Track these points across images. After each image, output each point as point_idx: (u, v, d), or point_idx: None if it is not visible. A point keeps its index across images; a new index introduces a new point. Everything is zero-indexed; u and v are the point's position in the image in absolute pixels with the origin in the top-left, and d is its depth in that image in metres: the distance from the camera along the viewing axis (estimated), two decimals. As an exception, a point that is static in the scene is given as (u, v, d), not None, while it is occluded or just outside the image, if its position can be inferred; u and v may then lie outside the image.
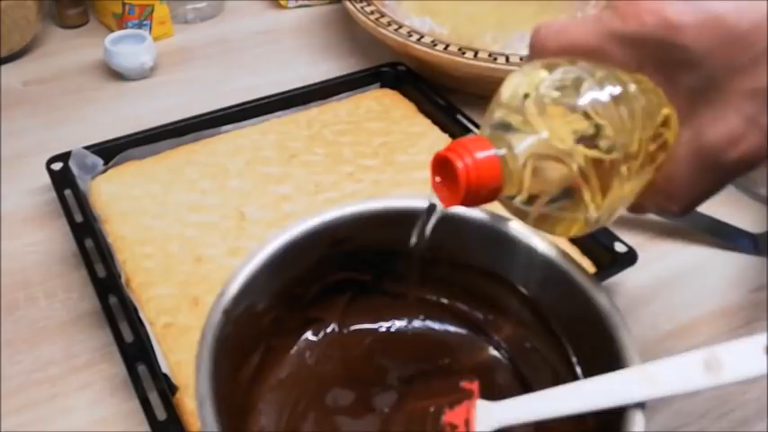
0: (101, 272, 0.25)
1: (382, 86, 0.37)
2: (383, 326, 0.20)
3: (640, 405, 0.14)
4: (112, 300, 0.24)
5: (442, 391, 0.17)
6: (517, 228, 0.18)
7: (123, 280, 0.25)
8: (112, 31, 0.41)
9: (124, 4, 0.41)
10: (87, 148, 0.31)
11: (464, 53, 0.34)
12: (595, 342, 0.16)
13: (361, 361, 0.19)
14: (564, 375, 0.17)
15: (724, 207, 0.32)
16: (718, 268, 0.28)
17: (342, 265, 0.19)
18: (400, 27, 0.36)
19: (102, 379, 0.24)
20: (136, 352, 0.22)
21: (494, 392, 0.17)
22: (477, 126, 0.33)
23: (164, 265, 0.26)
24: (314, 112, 0.35)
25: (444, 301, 0.20)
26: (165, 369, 0.22)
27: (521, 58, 0.34)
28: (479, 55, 0.34)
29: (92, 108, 0.37)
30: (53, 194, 0.29)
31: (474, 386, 0.17)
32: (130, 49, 0.38)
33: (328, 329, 0.20)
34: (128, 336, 0.23)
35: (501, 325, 0.20)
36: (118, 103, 0.37)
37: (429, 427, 0.17)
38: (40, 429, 0.22)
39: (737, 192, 0.33)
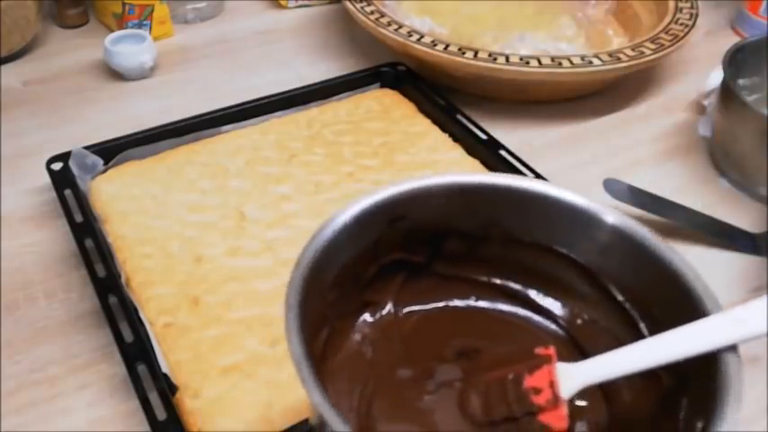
0: (101, 272, 0.25)
1: (382, 86, 0.37)
2: (437, 306, 0.20)
3: (733, 348, 0.14)
4: (112, 300, 0.24)
5: (515, 360, 0.17)
6: (576, 198, 0.18)
7: (123, 280, 0.25)
8: (112, 30, 0.41)
9: (124, 4, 0.41)
10: (87, 148, 0.31)
11: (464, 53, 0.34)
12: (669, 304, 0.16)
13: (420, 340, 0.19)
14: (629, 343, 0.17)
15: (724, 207, 0.32)
16: (717, 268, 0.28)
17: (398, 244, 0.19)
18: (400, 27, 0.36)
19: (101, 379, 0.24)
20: (136, 352, 0.22)
21: None
22: (477, 126, 0.34)
23: (164, 265, 0.26)
24: (314, 112, 0.35)
25: (496, 281, 0.20)
26: (165, 369, 0.22)
27: (520, 59, 0.34)
28: (479, 55, 0.34)
29: (92, 108, 0.37)
30: (53, 194, 0.29)
31: (550, 351, 0.17)
32: (130, 49, 0.38)
33: (384, 311, 0.19)
34: (128, 336, 0.23)
35: (556, 300, 0.19)
36: (118, 103, 0.37)
37: (511, 393, 0.16)
38: (39, 429, 0.22)
39: (737, 192, 0.33)
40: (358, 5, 0.38)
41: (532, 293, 0.20)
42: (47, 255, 0.28)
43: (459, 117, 0.34)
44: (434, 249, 0.20)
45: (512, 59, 0.34)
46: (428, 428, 0.17)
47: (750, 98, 0.35)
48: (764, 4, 0.43)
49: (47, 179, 0.30)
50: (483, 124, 0.33)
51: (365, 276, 0.19)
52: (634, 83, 0.39)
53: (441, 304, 0.20)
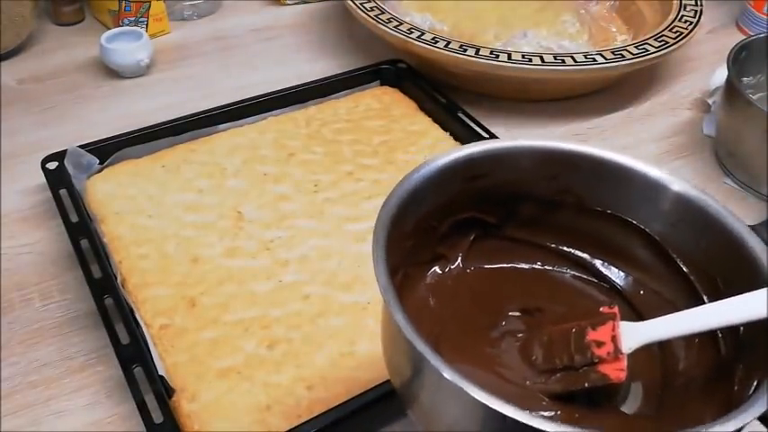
0: (96, 273, 0.25)
1: (382, 84, 0.36)
2: (502, 266, 0.21)
3: None
4: (108, 301, 0.24)
5: (577, 319, 0.18)
6: (652, 169, 0.18)
7: (119, 281, 0.25)
8: (108, 28, 0.40)
9: (120, 1, 0.40)
10: (83, 146, 0.30)
11: (465, 50, 0.34)
12: (734, 277, 0.17)
13: (485, 294, 0.20)
14: (687, 302, 0.18)
15: (728, 205, 0.31)
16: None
17: (474, 203, 0.20)
18: (400, 24, 0.36)
19: (98, 381, 0.23)
20: (132, 354, 0.22)
21: None
22: (478, 124, 0.33)
23: (160, 266, 0.26)
24: (312, 110, 0.34)
25: (563, 248, 0.21)
26: (161, 371, 0.22)
27: (522, 56, 0.34)
28: (481, 52, 0.34)
29: (87, 106, 0.36)
30: (48, 194, 0.29)
31: (615, 309, 0.17)
32: (126, 46, 0.38)
33: (453, 265, 0.20)
34: (123, 337, 0.23)
35: (620, 271, 0.20)
36: (114, 102, 0.37)
37: (573, 344, 0.17)
38: (35, 431, 0.22)
39: (742, 190, 0.32)
40: (358, 2, 0.38)
41: (598, 263, 0.20)
42: (42, 255, 0.28)
43: (460, 115, 0.33)
44: (507, 212, 0.20)
45: (514, 57, 0.33)
46: (490, 370, 0.18)
47: (755, 96, 0.35)
48: (769, 0, 0.43)
49: (42, 179, 0.29)
50: (484, 122, 0.33)
51: (440, 230, 0.20)
52: (638, 81, 0.39)
53: (506, 265, 0.21)
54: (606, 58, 0.34)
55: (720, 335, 0.17)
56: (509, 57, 0.33)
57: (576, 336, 0.17)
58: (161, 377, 0.22)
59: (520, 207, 0.20)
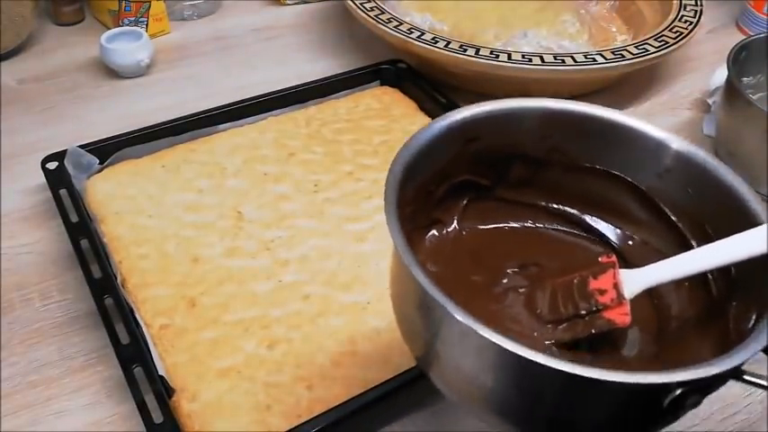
0: (96, 272, 0.25)
1: (382, 84, 0.36)
2: (497, 226, 0.21)
3: None
4: (108, 301, 0.24)
5: (577, 268, 0.18)
6: (639, 123, 0.19)
7: (119, 281, 0.25)
8: (108, 28, 0.40)
9: (120, 1, 0.40)
10: (83, 146, 0.30)
11: (465, 50, 0.34)
12: (723, 221, 0.17)
13: (483, 254, 0.20)
14: (679, 247, 0.18)
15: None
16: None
17: (468, 165, 0.20)
18: (400, 24, 0.36)
19: (98, 381, 0.23)
20: (132, 354, 0.22)
21: None
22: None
23: (160, 266, 0.26)
24: (313, 110, 0.34)
25: (554, 206, 0.21)
26: (161, 371, 0.22)
27: (523, 56, 0.34)
28: (481, 52, 0.34)
29: (87, 106, 0.36)
30: (48, 194, 0.29)
31: (613, 259, 0.18)
32: (126, 46, 0.38)
33: (450, 228, 0.21)
34: (124, 337, 0.23)
35: (610, 225, 0.21)
36: (114, 102, 0.37)
37: (577, 293, 0.18)
38: (35, 431, 0.22)
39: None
40: (358, 2, 0.38)
41: (587, 218, 0.21)
42: (42, 255, 0.28)
43: (459, 115, 0.33)
44: (499, 174, 0.21)
45: (514, 57, 0.33)
46: (497, 324, 0.18)
47: (755, 96, 0.35)
48: (769, 0, 0.43)
49: (42, 179, 0.29)
50: (484, 122, 0.33)
51: (436, 195, 0.20)
52: (637, 81, 0.39)
53: (500, 225, 0.21)
54: (606, 58, 0.34)
55: (711, 277, 0.18)
56: (509, 57, 0.33)
57: (579, 286, 0.18)
58: (161, 377, 0.22)
59: (510, 168, 0.20)
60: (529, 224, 0.21)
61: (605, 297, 0.17)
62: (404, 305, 0.17)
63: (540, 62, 0.33)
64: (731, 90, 0.31)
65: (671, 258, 0.17)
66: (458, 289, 0.18)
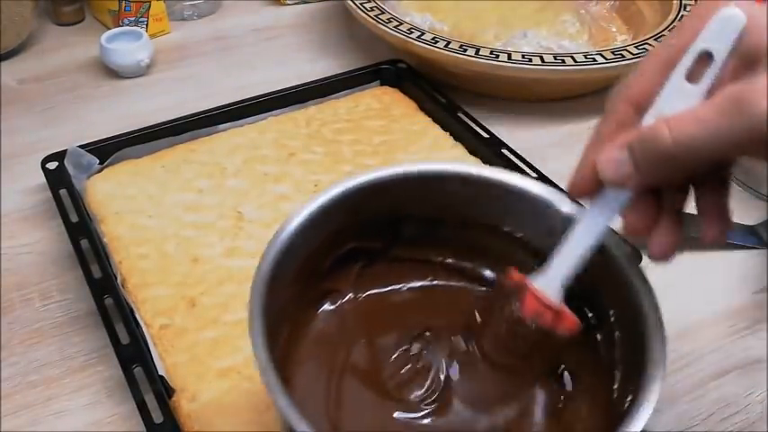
0: (96, 273, 0.25)
1: (382, 84, 0.36)
2: (395, 288, 0.21)
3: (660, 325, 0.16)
4: (108, 301, 0.24)
5: (496, 302, 0.18)
6: (524, 182, 0.19)
7: (119, 281, 0.25)
8: (108, 28, 0.40)
9: (121, 1, 0.40)
10: (83, 146, 0.30)
11: (465, 50, 0.34)
12: (611, 291, 0.18)
13: (381, 319, 0.20)
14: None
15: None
16: (722, 270, 0.28)
17: (355, 234, 0.20)
18: (400, 24, 0.36)
19: (98, 381, 0.23)
20: (132, 354, 0.22)
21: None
22: (478, 124, 0.33)
23: (160, 266, 0.26)
24: (313, 110, 0.34)
25: (451, 261, 0.21)
26: (161, 371, 0.22)
27: (523, 56, 0.34)
28: (481, 52, 0.34)
29: (87, 106, 0.36)
30: (48, 194, 0.29)
31: (516, 276, 0.18)
32: (126, 46, 0.38)
33: (344, 298, 0.20)
34: (124, 337, 0.23)
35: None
36: (114, 102, 0.37)
37: (523, 330, 0.17)
38: (35, 431, 0.22)
39: (740, 190, 0.32)
40: (358, 2, 0.38)
41: (486, 272, 0.21)
42: (42, 255, 0.28)
43: (460, 115, 0.33)
44: (392, 234, 0.20)
45: (514, 57, 0.33)
46: (398, 397, 0.18)
47: (755, 96, 0.34)
48: (769, 0, 0.43)
49: (42, 179, 0.29)
50: (484, 122, 0.33)
51: (324, 266, 0.20)
52: (637, 80, 0.39)
53: (399, 287, 0.21)
54: (606, 58, 0.34)
55: (599, 337, 0.18)
56: (509, 57, 0.33)
57: (517, 323, 0.18)
58: (161, 377, 0.22)
59: (403, 229, 0.20)
60: (427, 282, 0.21)
61: (545, 318, 0.17)
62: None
63: (540, 62, 0.33)
64: (731, 90, 0.31)
65: (562, 250, 0.17)
66: (352, 367, 0.18)
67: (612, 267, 0.18)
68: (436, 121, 0.34)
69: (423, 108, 0.35)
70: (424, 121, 0.34)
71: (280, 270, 0.17)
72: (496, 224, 0.20)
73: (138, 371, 0.22)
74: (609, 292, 0.18)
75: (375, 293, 0.20)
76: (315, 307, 0.20)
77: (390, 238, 0.20)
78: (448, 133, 0.33)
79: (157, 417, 0.20)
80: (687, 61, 0.14)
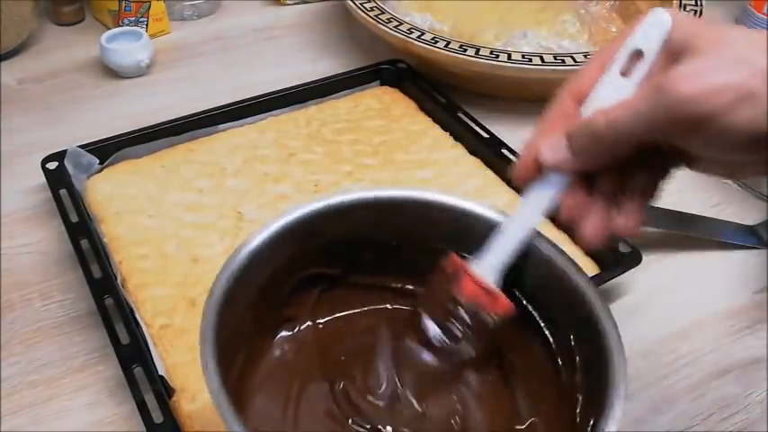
0: (97, 272, 0.25)
1: (382, 84, 0.36)
2: (352, 313, 0.21)
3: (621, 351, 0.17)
4: (108, 301, 0.24)
5: (435, 286, 0.18)
6: (478, 207, 0.20)
7: (119, 281, 0.25)
8: (108, 28, 0.40)
9: (120, 1, 0.40)
10: (83, 146, 0.30)
11: (465, 50, 0.34)
12: (569, 313, 0.18)
13: (338, 344, 0.20)
14: (532, 336, 0.19)
15: (728, 206, 0.31)
16: (721, 270, 0.28)
17: (313, 259, 0.20)
18: (400, 24, 0.36)
19: (98, 381, 0.23)
20: (132, 354, 0.22)
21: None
22: (478, 124, 0.33)
23: (160, 266, 0.26)
24: (313, 110, 0.34)
25: (409, 286, 0.21)
26: (161, 371, 0.22)
27: (523, 56, 0.34)
28: (481, 52, 0.34)
29: (87, 106, 0.36)
30: (48, 194, 0.29)
31: (456, 261, 0.18)
32: (126, 46, 0.38)
33: (303, 326, 0.20)
34: (124, 337, 0.23)
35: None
36: (114, 102, 0.37)
37: (460, 313, 0.18)
38: (35, 431, 0.22)
39: (740, 189, 0.32)
40: (358, 2, 0.38)
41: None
42: (42, 255, 0.28)
43: (460, 115, 0.33)
44: (350, 261, 0.20)
45: (514, 57, 0.33)
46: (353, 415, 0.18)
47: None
48: (769, 0, 0.43)
49: (42, 179, 0.29)
50: (484, 122, 0.33)
51: (282, 293, 0.20)
52: (637, 80, 0.39)
53: (357, 310, 0.21)
54: (606, 58, 0.34)
55: (560, 362, 0.18)
56: (509, 57, 0.33)
57: (456, 305, 0.18)
58: (161, 377, 0.22)
59: (361, 255, 0.20)
60: (387, 306, 0.21)
61: (482, 300, 0.18)
62: None
63: (540, 62, 0.33)
64: (731, 90, 0.31)
65: (499, 232, 0.18)
66: (308, 394, 0.18)
67: (568, 288, 0.18)
68: (436, 121, 0.34)
69: (423, 108, 0.35)
70: (424, 121, 0.34)
71: (235, 293, 0.17)
72: (453, 249, 0.19)
73: (138, 371, 0.22)
74: (567, 314, 0.18)
75: (332, 320, 0.20)
76: (272, 334, 0.20)
77: (349, 264, 0.20)
78: (448, 133, 0.33)
79: (157, 417, 0.20)
80: (621, 58, 0.16)
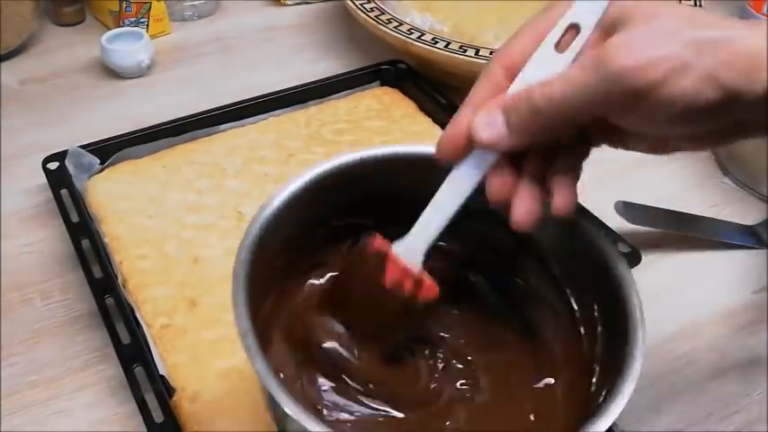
0: (97, 273, 0.25)
1: (382, 84, 0.36)
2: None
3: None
4: (109, 301, 0.24)
5: (356, 268, 0.18)
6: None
7: (120, 281, 0.25)
8: (109, 28, 0.40)
9: (121, 2, 0.40)
10: (83, 147, 0.30)
11: (465, 51, 0.34)
12: (596, 285, 0.18)
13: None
14: (556, 300, 0.19)
15: (727, 206, 0.31)
16: (721, 270, 0.28)
17: (348, 209, 0.20)
18: (400, 24, 0.36)
19: (99, 381, 0.23)
20: (132, 354, 0.22)
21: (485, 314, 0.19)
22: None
23: (161, 266, 0.26)
24: (313, 110, 0.34)
25: (441, 243, 0.21)
26: (162, 371, 0.22)
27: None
28: (481, 53, 0.34)
29: (88, 107, 0.37)
30: (49, 194, 0.29)
31: (378, 242, 0.18)
32: (127, 46, 0.38)
33: (332, 273, 0.20)
34: (124, 337, 0.23)
35: (493, 262, 0.21)
36: (114, 102, 0.37)
37: (385, 300, 0.18)
38: (36, 431, 0.22)
39: (739, 189, 0.32)
40: (358, 3, 0.38)
41: (471, 255, 0.21)
42: (43, 255, 0.28)
43: (459, 116, 0.33)
44: (383, 214, 0.20)
45: (513, 57, 0.33)
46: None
47: (754, 96, 0.35)
48: (768, 1, 0.43)
49: (43, 179, 0.29)
50: (484, 123, 0.33)
51: (315, 240, 0.20)
52: (637, 81, 0.39)
53: None
54: (606, 59, 0.34)
55: (582, 331, 0.18)
56: (509, 57, 0.34)
57: (382, 288, 0.17)
58: (162, 377, 0.22)
59: (394, 209, 0.20)
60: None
61: (405, 287, 0.17)
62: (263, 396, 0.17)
63: (539, 62, 0.33)
64: (731, 90, 0.31)
65: (423, 214, 0.17)
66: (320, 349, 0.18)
67: (601, 262, 0.17)
68: (436, 121, 0.34)
69: (423, 109, 0.35)
70: (424, 122, 0.34)
71: (269, 236, 0.17)
72: (485, 208, 0.19)
73: (138, 371, 0.22)
74: (595, 286, 0.18)
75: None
76: (303, 278, 0.20)
77: (382, 217, 0.20)
78: (448, 133, 0.33)
79: (158, 416, 0.20)
80: (557, 32, 0.15)
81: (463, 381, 0.19)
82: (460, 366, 0.19)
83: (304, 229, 0.19)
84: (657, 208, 0.29)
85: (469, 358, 0.19)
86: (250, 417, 0.21)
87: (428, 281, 0.17)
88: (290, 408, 0.14)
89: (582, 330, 0.18)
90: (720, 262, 0.29)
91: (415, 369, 0.19)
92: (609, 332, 0.17)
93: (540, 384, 0.19)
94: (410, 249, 0.17)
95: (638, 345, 0.15)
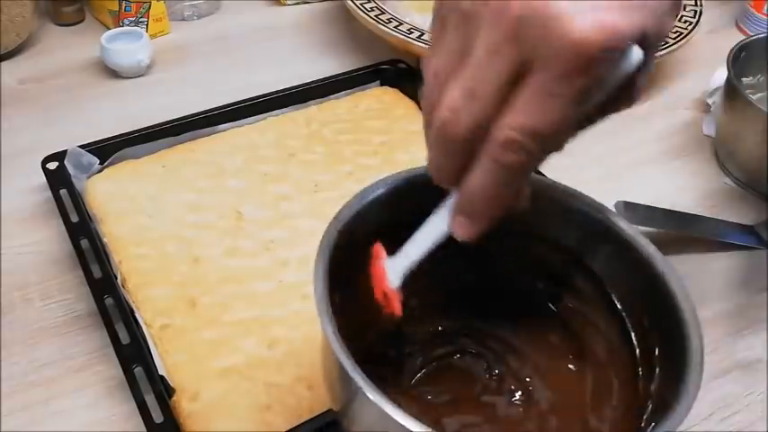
0: (97, 273, 0.25)
1: (382, 84, 0.36)
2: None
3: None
4: (109, 301, 0.24)
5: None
6: (594, 204, 0.20)
7: (119, 281, 0.25)
8: (109, 28, 0.40)
9: (121, 1, 0.40)
10: (83, 146, 0.30)
11: (465, 50, 0.34)
12: (656, 314, 0.18)
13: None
14: (616, 335, 0.19)
15: (728, 206, 0.31)
16: (723, 270, 0.28)
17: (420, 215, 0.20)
18: (401, 24, 0.36)
19: (98, 381, 0.23)
20: (132, 354, 0.22)
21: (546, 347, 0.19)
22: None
23: (160, 266, 0.26)
24: (313, 110, 0.34)
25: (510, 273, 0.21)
26: (161, 371, 0.22)
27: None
28: (480, 52, 0.34)
29: (88, 106, 0.36)
30: (48, 194, 0.29)
31: (377, 251, 0.18)
32: (127, 46, 0.38)
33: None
34: (124, 337, 0.23)
35: (561, 295, 0.21)
36: (114, 102, 0.37)
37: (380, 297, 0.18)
38: (35, 431, 0.22)
39: (742, 190, 0.32)
40: (358, 2, 0.38)
41: (540, 286, 0.21)
42: (42, 255, 0.28)
43: (459, 115, 0.33)
44: None
45: (513, 57, 0.33)
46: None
47: (754, 96, 0.35)
48: (768, 0, 0.43)
49: (42, 179, 0.29)
50: (484, 123, 0.33)
51: (396, 240, 0.20)
52: (637, 81, 0.39)
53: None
54: (606, 59, 0.34)
55: (641, 371, 0.18)
56: (509, 57, 0.33)
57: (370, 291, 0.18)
58: (161, 377, 0.22)
59: None
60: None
61: (378, 296, 0.18)
62: (327, 364, 0.17)
63: (539, 62, 0.33)
64: (731, 90, 0.31)
65: (412, 240, 0.18)
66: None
67: (668, 301, 0.18)
68: (436, 121, 0.34)
69: (423, 108, 0.35)
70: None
71: (353, 228, 0.18)
72: (557, 240, 0.20)
73: (138, 371, 0.22)
74: (654, 321, 0.18)
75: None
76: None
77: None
78: (448, 133, 0.33)
79: (158, 417, 0.20)
80: None
81: (518, 400, 0.19)
82: (519, 389, 0.19)
83: (394, 226, 0.19)
84: (657, 208, 0.29)
85: (528, 379, 0.19)
86: (250, 416, 0.21)
87: (396, 301, 0.18)
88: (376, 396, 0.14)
89: (640, 370, 0.18)
90: (720, 262, 0.29)
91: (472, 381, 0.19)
92: (665, 371, 0.17)
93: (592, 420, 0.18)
94: (394, 267, 0.18)
95: (692, 391, 0.15)
